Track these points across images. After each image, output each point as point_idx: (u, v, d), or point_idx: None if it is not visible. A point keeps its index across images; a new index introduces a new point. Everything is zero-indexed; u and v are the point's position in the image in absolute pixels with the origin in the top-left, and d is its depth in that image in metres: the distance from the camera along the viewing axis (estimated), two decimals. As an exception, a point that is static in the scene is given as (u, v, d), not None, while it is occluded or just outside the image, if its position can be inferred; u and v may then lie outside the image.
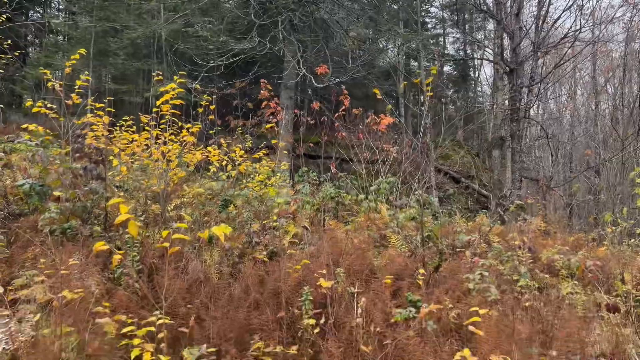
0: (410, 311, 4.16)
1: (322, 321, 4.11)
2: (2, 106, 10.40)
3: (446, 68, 27.00)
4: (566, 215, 11.36)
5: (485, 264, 4.93)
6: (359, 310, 4.13)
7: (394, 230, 6.98)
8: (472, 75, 28.63)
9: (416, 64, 23.20)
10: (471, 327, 3.36)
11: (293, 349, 3.84)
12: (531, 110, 17.72)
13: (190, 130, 6.46)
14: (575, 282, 5.23)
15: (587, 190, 16.66)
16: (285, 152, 11.23)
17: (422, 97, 19.98)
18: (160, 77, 6.27)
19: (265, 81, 10.43)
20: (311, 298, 4.21)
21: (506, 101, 15.38)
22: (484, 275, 4.61)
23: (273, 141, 8.86)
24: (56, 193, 5.02)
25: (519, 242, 5.83)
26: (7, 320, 3.58)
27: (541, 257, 5.99)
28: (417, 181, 10.74)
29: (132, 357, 3.27)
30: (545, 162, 22.24)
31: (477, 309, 3.40)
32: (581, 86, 25.59)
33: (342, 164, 13.93)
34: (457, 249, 6.34)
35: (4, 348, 3.60)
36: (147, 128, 6.32)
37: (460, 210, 10.60)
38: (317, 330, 4.04)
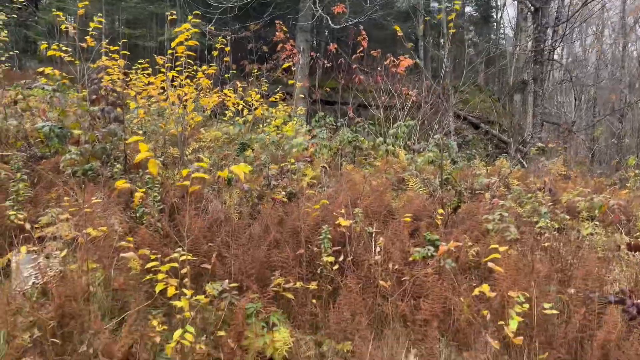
0: (428, 250, 4.18)
1: (340, 259, 4.16)
2: (17, 52, 10.34)
3: (467, 9, 25.99)
4: (588, 160, 11.14)
5: (504, 205, 4.89)
6: (377, 249, 4.16)
7: (412, 174, 6.94)
8: (495, 16, 27.57)
9: (436, 4, 22.37)
10: (490, 264, 3.37)
11: (313, 285, 3.92)
12: (555, 53, 17.11)
13: (206, 72, 6.37)
14: (596, 223, 5.18)
15: (611, 134, 16.28)
16: (302, 96, 11.07)
17: (442, 40, 19.38)
18: (174, 16, 6.13)
19: (281, 23, 10.17)
20: (330, 237, 4.24)
21: (529, 43, 14.85)
22: (504, 215, 4.59)
23: (290, 82, 8.72)
24: (77, 132, 5.05)
25: (540, 184, 5.75)
26: (35, 256, 3.68)
27: (562, 199, 5.93)
28: (435, 125, 10.59)
29: (157, 291, 3.36)
30: (568, 108, 21.69)
31: (496, 246, 3.40)
32: (609, 27, 24.53)
33: (359, 110, 13.74)
34: (476, 192, 6.30)
35: (34, 282, 3.73)
36: (162, 70, 6.25)
37: (479, 155, 10.46)
38: (335, 267, 4.09)
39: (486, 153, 12.15)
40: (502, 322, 3.20)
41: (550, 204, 5.48)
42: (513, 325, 2.99)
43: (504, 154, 10.50)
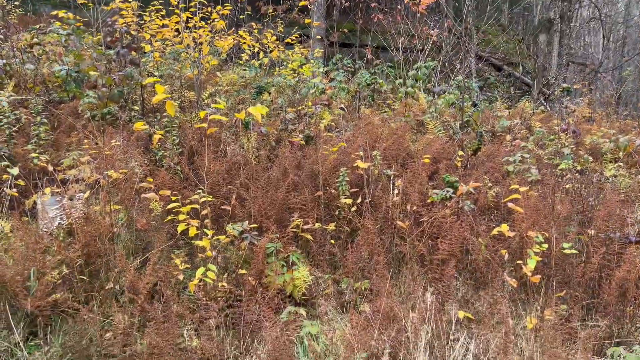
0: (447, 192, 4.16)
1: (358, 201, 4.18)
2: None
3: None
4: (614, 101, 10.80)
5: (526, 147, 4.81)
6: (396, 191, 4.16)
7: (432, 117, 6.82)
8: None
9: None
10: (510, 205, 3.34)
11: (331, 226, 3.96)
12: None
13: (220, 12, 6.22)
14: (620, 164, 5.07)
15: (639, 76, 15.67)
16: (319, 37, 10.79)
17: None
18: (186, -47, 5.93)
19: (297, -40, 9.77)
20: (348, 179, 4.24)
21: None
22: (525, 157, 4.51)
23: (307, 21, 8.47)
24: (93, 73, 5.03)
25: (563, 126, 5.62)
26: (59, 198, 3.77)
27: (585, 141, 5.80)
28: (457, 67, 10.30)
29: (179, 231, 3.43)
30: (595, 48, 20.82)
31: (517, 186, 3.36)
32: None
33: (378, 52, 13.39)
34: (497, 134, 6.20)
35: (59, 223, 3.84)
36: (176, 11, 6.12)
37: (501, 97, 10.21)
38: (353, 209, 4.12)
39: (508, 95, 11.84)
40: (520, 262, 3.21)
41: (573, 146, 5.37)
42: (531, 264, 3.00)
43: (527, 96, 10.22)
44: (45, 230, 3.70)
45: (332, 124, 6.53)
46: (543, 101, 10.59)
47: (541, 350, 2.64)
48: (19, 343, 3.12)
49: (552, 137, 5.32)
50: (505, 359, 2.60)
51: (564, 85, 6.43)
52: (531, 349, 2.73)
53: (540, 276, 3.11)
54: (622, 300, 3.24)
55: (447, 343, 2.87)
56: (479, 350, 2.80)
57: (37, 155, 4.14)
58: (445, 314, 3.20)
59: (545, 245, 3.16)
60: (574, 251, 3.34)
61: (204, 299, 3.33)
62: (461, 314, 3.05)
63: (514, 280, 3.09)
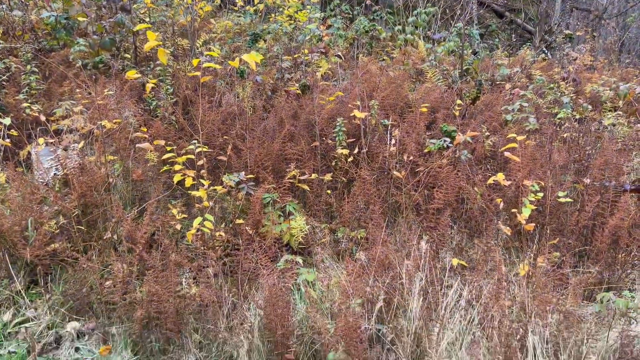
0: (444, 141, 4.14)
1: (355, 151, 4.16)
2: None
3: None
4: (617, 49, 10.59)
5: (525, 95, 4.74)
6: (393, 141, 4.13)
7: (431, 65, 6.69)
8: None
9: None
10: (507, 154, 3.33)
11: (327, 176, 3.95)
12: None
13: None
14: (619, 113, 5.03)
15: (644, 22, 15.28)
16: (316, -18, 10.42)
17: None
18: None
19: None
20: (344, 129, 4.21)
21: None
22: (523, 106, 4.46)
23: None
24: (82, 19, 4.88)
25: (563, 74, 5.52)
26: (53, 148, 3.74)
27: (585, 89, 5.72)
28: (457, 14, 10.02)
29: (175, 181, 3.43)
30: (600, -7, 20.20)
31: (514, 135, 3.33)
32: None
33: (376, -2, 12.98)
34: (497, 83, 6.10)
35: (55, 174, 3.83)
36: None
37: (502, 45, 9.99)
38: (350, 159, 4.10)
39: (509, 43, 11.59)
40: (515, 210, 3.23)
41: (572, 94, 5.30)
42: (526, 212, 3.02)
43: (528, 44, 9.99)
44: (40, 180, 3.70)
45: (329, 72, 6.42)
46: (545, 49, 10.37)
47: (532, 295, 2.70)
48: (20, 291, 3.18)
49: (551, 85, 5.24)
50: (497, 304, 2.66)
51: (567, 32, 6.28)
52: (522, 295, 2.79)
53: (534, 224, 3.14)
54: (614, 247, 3.29)
55: (441, 289, 2.92)
56: (472, 296, 2.86)
57: (29, 105, 4.07)
58: (439, 262, 3.25)
59: (541, 194, 3.17)
60: (568, 200, 3.36)
61: (202, 248, 3.38)
62: (455, 262, 3.10)
63: (508, 228, 3.12)
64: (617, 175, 3.82)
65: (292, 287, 3.12)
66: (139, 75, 3.10)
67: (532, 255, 3.11)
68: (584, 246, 3.42)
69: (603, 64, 8.50)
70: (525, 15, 15.84)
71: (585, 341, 2.50)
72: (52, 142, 3.71)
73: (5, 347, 2.96)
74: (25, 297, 3.16)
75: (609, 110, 5.30)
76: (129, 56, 5.02)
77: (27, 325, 3.08)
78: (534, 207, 3.13)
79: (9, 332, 3.06)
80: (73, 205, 3.37)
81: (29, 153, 3.95)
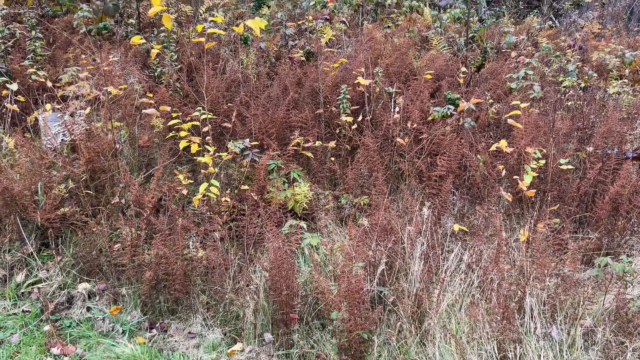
0: (448, 109, 4.14)
1: (359, 119, 4.18)
2: None
3: None
4: (626, 16, 10.41)
5: (530, 63, 4.72)
6: (397, 108, 4.14)
7: (436, 32, 6.62)
8: None
9: None
10: (510, 121, 3.35)
11: (331, 144, 3.99)
12: None
13: None
14: (625, 81, 5.00)
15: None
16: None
17: None
18: None
19: None
20: (349, 96, 4.21)
21: None
22: (528, 73, 4.44)
23: None
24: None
25: (570, 41, 5.47)
26: (60, 114, 3.78)
27: (592, 57, 5.67)
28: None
29: (181, 147, 3.47)
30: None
31: (517, 102, 3.34)
32: None
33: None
34: (503, 51, 6.05)
35: (62, 140, 3.87)
36: None
37: (509, 12, 9.84)
38: (354, 126, 4.13)
39: (516, 10, 11.40)
40: (517, 177, 3.27)
41: (578, 62, 5.26)
42: (527, 179, 3.06)
43: (536, 11, 9.84)
44: (49, 146, 3.75)
45: (334, 39, 6.37)
46: (552, 16, 10.21)
47: (531, 260, 2.76)
48: (32, 253, 3.27)
49: (557, 53, 5.20)
50: (497, 267, 2.73)
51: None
52: (522, 259, 2.85)
53: (535, 191, 3.18)
54: (614, 214, 3.33)
55: (442, 253, 2.99)
56: (472, 260, 2.93)
57: (34, 71, 4.09)
58: (441, 227, 3.31)
59: (543, 161, 3.21)
60: (570, 167, 3.39)
61: (208, 213, 3.44)
62: (456, 227, 3.16)
63: (509, 194, 3.17)
64: (620, 143, 3.84)
65: (296, 251, 3.19)
66: (144, 41, 3.11)
67: (532, 221, 3.17)
68: (585, 213, 3.47)
69: (611, 32, 8.38)
70: (534, -18, 15.51)
71: (581, 303, 2.58)
72: (59, 108, 3.75)
73: (19, 307, 3.06)
74: (37, 259, 3.25)
75: (615, 79, 5.27)
76: (133, 22, 4.99)
77: (39, 285, 3.18)
78: (536, 174, 3.17)
79: (22, 292, 3.16)
80: (81, 170, 3.43)
81: (37, 119, 3.99)
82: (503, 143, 3.19)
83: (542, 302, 2.62)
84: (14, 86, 3.58)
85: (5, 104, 3.80)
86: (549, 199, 3.32)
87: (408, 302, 2.71)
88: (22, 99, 3.93)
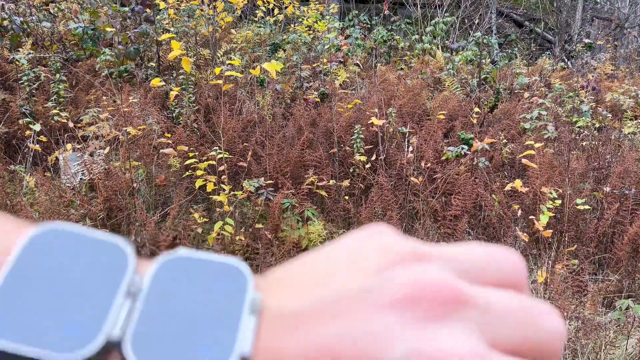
0: (462, 148, 4.16)
1: (373, 158, 4.21)
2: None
3: None
4: (638, 58, 10.49)
5: (544, 104, 4.75)
6: (410, 148, 4.17)
7: (449, 74, 6.73)
8: None
9: None
10: (524, 160, 3.35)
11: (345, 183, 4.01)
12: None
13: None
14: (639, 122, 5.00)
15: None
16: (335, -7, 10.56)
17: None
18: None
19: None
20: (362, 136, 4.26)
21: None
22: (542, 114, 4.47)
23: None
24: (109, 29, 5.05)
25: (583, 82, 5.51)
26: (80, 154, 3.87)
27: (605, 98, 5.69)
28: (476, 23, 10.05)
29: (197, 186, 3.52)
30: (622, 2, 20.03)
31: (532, 142, 3.35)
32: None
33: (395, 8, 13.08)
34: (515, 92, 6.11)
35: (81, 178, 3.95)
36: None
37: (521, 54, 9.98)
38: (368, 166, 4.15)
39: (528, 52, 11.55)
40: (533, 217, 3.24)
41: (592, 103, 5.28)
42: (544, 219, 3.03)
43: (547, 53, 9.97)
44: (68, 185, 3.82)
45: (348, 81, 6.50)
46: (564, 58, 10.32)
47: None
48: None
49: (571, 94, 5.24)
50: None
51: (586, 40, 6.26)
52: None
53: (552, 231, 3.15)
54: (634, 255, 3.27)
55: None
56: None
57: (57, 112, 4.22)
58: (456, 268, 3.26)
59: (559, 201, 3.18)
60: (587, 207, 3.36)
61: (223, 251, 3.45)
62: (472, 268, 3.11)
63: (525, 235, 3.13)
64: (637, 183, 3.80)
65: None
66: (163, 83, 3.21)
67: (550, 262, 3.12)
68: (604, 254, 3.40)
69: (624, 73, 8.43)
70: (544, 25, 15.77)
71: (603, 348, 2.50)
72: (79, 148, 3.84)
73: None
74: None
75: (630, 119, 5.27)
76: (153, 65, 5.16)
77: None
78: (552, 215, 3.14)
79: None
80: (98, 208, 3.48)
81: (57, 158, 4.08)
82: (518, 183, 3.18)
83: (562, 347, 2.54)
84: (37, 127, 3.69)
85: (28, 143, 3.91)
86: (566, 239, 3.28)
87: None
88: (44, 139, 4.04)
